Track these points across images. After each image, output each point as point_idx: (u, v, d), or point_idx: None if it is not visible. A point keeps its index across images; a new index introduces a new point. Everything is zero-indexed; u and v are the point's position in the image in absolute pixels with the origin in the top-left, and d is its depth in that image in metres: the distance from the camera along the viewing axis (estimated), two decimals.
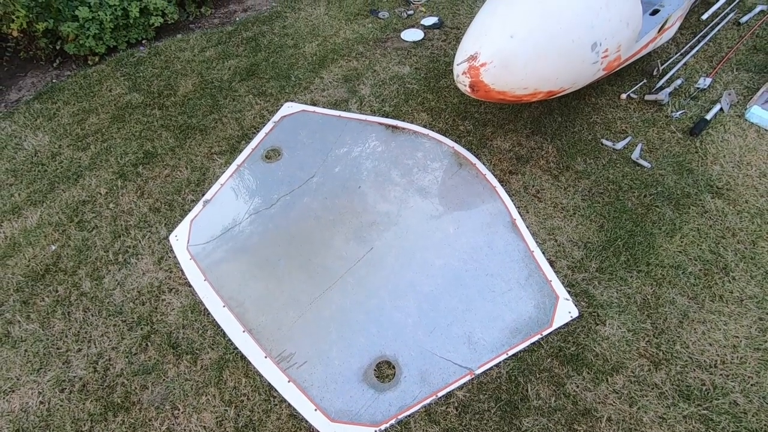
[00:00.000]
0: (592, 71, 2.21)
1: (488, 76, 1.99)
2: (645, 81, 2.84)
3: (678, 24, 2.78)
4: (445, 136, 2.59)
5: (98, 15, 3.28)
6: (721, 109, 2.66)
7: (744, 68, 2.90)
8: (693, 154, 2.46)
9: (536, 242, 2.15)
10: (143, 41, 3.45)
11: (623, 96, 2.75)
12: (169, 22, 3.44)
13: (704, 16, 3.20)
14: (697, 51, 3.01)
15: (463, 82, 2.03)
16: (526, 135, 2.58)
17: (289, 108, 2.79)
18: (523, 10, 2.00)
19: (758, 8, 3.27)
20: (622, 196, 2.30)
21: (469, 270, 2.08)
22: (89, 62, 3.31)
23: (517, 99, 2.14)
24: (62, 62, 3.33)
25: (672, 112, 2.66)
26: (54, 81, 3.16)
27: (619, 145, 2.51)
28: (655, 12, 2.55)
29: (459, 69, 2.02)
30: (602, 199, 2.30)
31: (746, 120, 2.61)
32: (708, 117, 2.59)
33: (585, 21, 2.01)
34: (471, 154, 2.49)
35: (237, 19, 3.58)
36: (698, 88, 2.78)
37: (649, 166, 2.41)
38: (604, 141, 2.53)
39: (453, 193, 2.35)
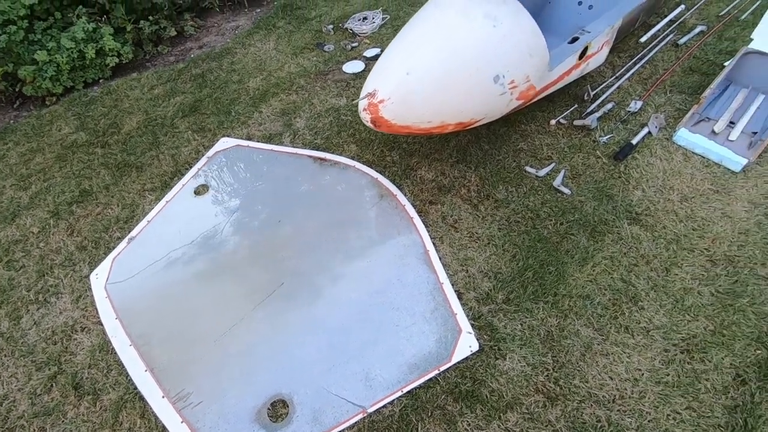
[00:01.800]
0: (503, 102, 2.24)
1: (387, 112, 2.02)
2: (576, 106, 2.85)
3: (606, 49, 2.80)
4: (371, 167, 2.62)
5: (55, 58, 3.44)
6: (649, 133, 2.65)
7: (677, 90, 2.89)
8: (615, 180, 2.45)
9: (447, 274, 2.15)
10: (100, 80, 3.60)
11: (552, 122, 2.76)
12: (124, 62, 3.58)
13: (643, 39, 3.21)
14: (632, 74, 3.02)
15: (364, 118, 2.07)
16: (450, 164, 2.60)
17: (224, 143, 2.87)
18: (420, 49, 2.04)
19: (698, 29, 3.27)
20: (539, 225, 2.29)
21: (376, 304, 2.08)
22: (47, 102, 3.45)
23: (426, 131, 2.17)
24: (22, 103, 3.48)
25: (600, 136, 2.66)
26: (11, 122, 3.30)
27: (542, 172, 2.50)
28: (574, 39, 2.58)
29: (360, 105, 2.07)
30: (519, 227, 2.29)
31: (674, 143, 2.59)
32: (634, 141, 2.58)
33: (483, 55, 2.05)
34: (393, 185, 2.52)
35: (192, 56, 3.71)
36: (629, 111, 2.77)
37: (569, 192, 2.40)
38: (528, 168, 2.53)
39: (371, 225, 2.37)
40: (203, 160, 2.77)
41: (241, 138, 2.89)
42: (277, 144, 2.83)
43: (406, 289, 2.12)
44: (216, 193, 2.60)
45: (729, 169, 2.44)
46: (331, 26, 3.73)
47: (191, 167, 2.73)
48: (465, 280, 2.13)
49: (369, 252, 2.26)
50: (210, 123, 3.01)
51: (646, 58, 3.09)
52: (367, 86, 2.07)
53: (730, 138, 2.54)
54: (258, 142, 2.85)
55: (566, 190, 2.41)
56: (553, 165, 2.54)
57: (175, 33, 3.83)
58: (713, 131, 2.58)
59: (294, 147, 2.79)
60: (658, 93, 2.89)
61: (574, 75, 2.68)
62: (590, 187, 2.42)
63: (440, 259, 2.20)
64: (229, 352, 1.99)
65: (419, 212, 2.39)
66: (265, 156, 2.77)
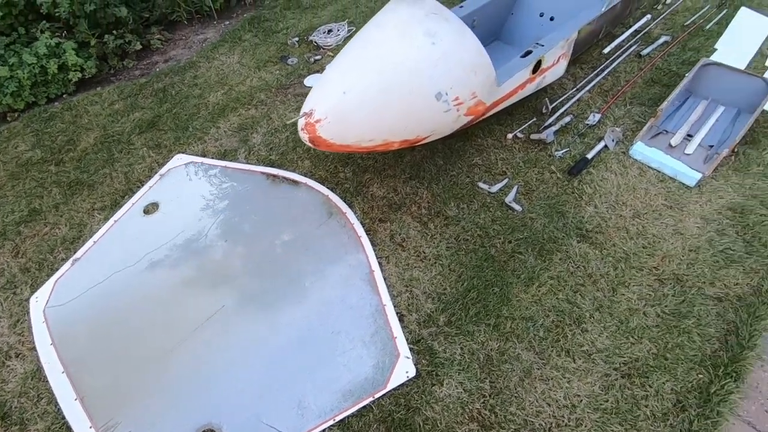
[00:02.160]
0: (450, 118, 2.20)
1: (325, 132, 1.99)
2: (535, 119, 2.81)
3: (564, 61, 2.76)
4: (323, 184, 2.58)
5: (17, 73, 3.42)
6: (606, 147, 2.61)
7: (638, 102, 2.86)
8: (568, 195, 2.40)
9: (391, 295, 2.10)
10: (63, 95, 3.58)
11: (509, 136, 2.72)
12: (87, 77, 3.56)
13: (606, 50, 3.18)
14: (593, 86, 2.98)
15: (303, 137, 2.03)
16: (403, 180, 2.56)
17: (178, 160, 2.83)
18: (357, 67, 2.01)
19: (662, 39, 3.24)
20: (487, 243, 2.25)
21: (317, 327, 2.03)
22: (8, 118, 3.43)
23: (369, 149, 2.14)
24: None
25: (556, 151, 2.62)
26: None
27: (495, 188, 2.46)
28: (528, 53, 2.54)
29: (299, 125, 2.03)
30: (467, 246, 2.25)
31: (630, 157, 2.55)
32: (590, 155, 2.54)
33: (422, 73, 2.01)
34: (344, 203, 2.48)
35: (156, 70, 3.69)
36: (587, 124, 2.74)
37: (520, 209, 2.35)
38: (480, 184, 2.49)
39: (317, 245, 2.32)
40: (156, 177, 2.74)
41: (196, 154, 2.85)
42: (231, 160, 2.79)
43: (349, 311, 2.08)
44: (165, 211, 2.56)
45: (684, 184, 2.39)
46: (297, 39, 3.71)
47: (143, 185, 2.69)
48: (408, 301, 2.08)
49: (314, 273, 2.22)
50: (167, 139, 2.97)
51: (607, 70, 3.06)
52: (305, 105, 2.04)
53: (686, 151, 2.50)
54: (212, 158, 2.81)
55: (517, 207, 2.36)
56: (506, 180, 2.49)
57: (141, 47, 3.80)
58: (670, 144, 2.54)
59: (248, 163, 2.75)
60: (618, 105, 2.85)
61: (530, 89, 2.65)
62: (542, 203, 2.38)
63: (385, 279, 2.16)
64: (163, 378, 1.94)
65: (368, 231, 2.35)
66: (217, 173, 2.73)
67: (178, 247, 2.37)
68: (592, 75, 3.04)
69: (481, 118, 2.47)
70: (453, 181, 2.52)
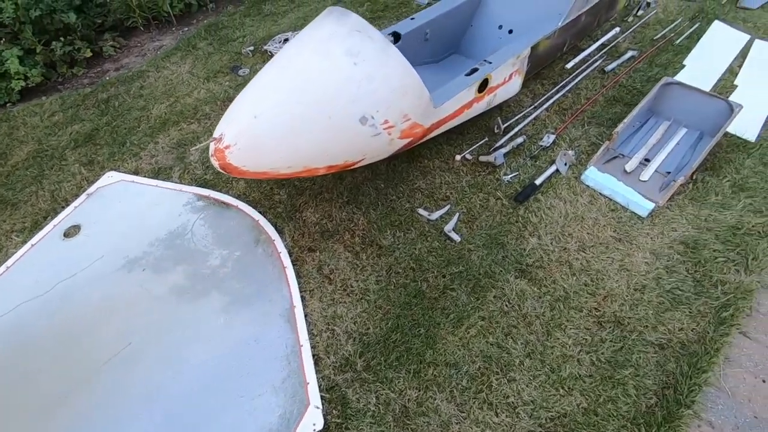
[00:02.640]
0: (382, 142, 2.04)
1: (235, 159, 1.83)
2: (486, 139, 2.66)
3: (518, 78, 2.60)
4: (255, 207, 2.43)
5: None
6: (558, 171, 2.45)
7: (596, 122, 2.70)
8: (512, 225, 2.25)
9: (310, 334, 1.95)
10: (7, 105, 3.43)
11: (458, 157, 2.56)
12: (31, 85, 3.42)
13: (569, 65, 3.02)
14: (552, 104, 2.82)
15: (214, 164, 1.88)
16: (340, 205, 2.41)
17: (108, 178, 2.68)
18: (271, 90, 1.86)
19: (628, 54, 3.08)
20: (420, 277, 2.09)
21: (228, 369, 1.88)
22: None
23: (291, 176, 1.99)
24: None
25: (504, 174, 2.46)
26: None
27: (435, 216, 2.31)
28: (474, 70, 2.38)
29: (209, 151, 1.88)
30: (398, 280, 2.09)
31: (582, 183, 2.39)
32: (539, 181, 2.38)
33: (342, 95, 1.85)
34: (274, 229, 2.32)
35: (106, 78, 3.54)
36: (540, 146, 2.58)
37: (459, 239, 2.20)
38: (420, 210, 2.34)
39: (240, 275, 2.17)
40: (83, 197, 2.59)
41: (129, 172, 2.70)
42: (164, 179, 2.64)
43: (263, 351, 1.92)
44: (87, 235, 2.41)
45: (635, 214, 2.23)
46: (252, 48, 3.56)
47: (68, 205, 2.55)
48: (328, 341, 1.93)
49: (232, 307, 2.06)
50: (101, 155, 2.83)
51: (568, 87, 2.90)
52: (215, 131, 1.89)
53: (641, 178, 2.34)
54: (145, 176, 2.66)
55: (456, 237, 2.21)
56: (448, 207, 2.34)
57: (91, 54, 3.65)
58: (625, 170, 2.38)
59: (181, 183, 2.60)
60: (575, 125, 2.69)
61: (479, 108, 2.49)
62: (483, 233, 2.22)
63: (306, 316, 2.01)
64: (54, 425, 1.79)
65: (295, 261, 2.19)
66: (148, 193, 2.58)
67: (94, 275, 2.22)
68: (552, 92, 2.88)
69: (423, 140, 2.32)
70: (392, 207, 2.37)
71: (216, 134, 1.86)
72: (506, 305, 1.96)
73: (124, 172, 2.71)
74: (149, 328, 2.02)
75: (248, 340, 1.96)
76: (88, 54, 3.65)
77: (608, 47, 3.16)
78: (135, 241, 2.35)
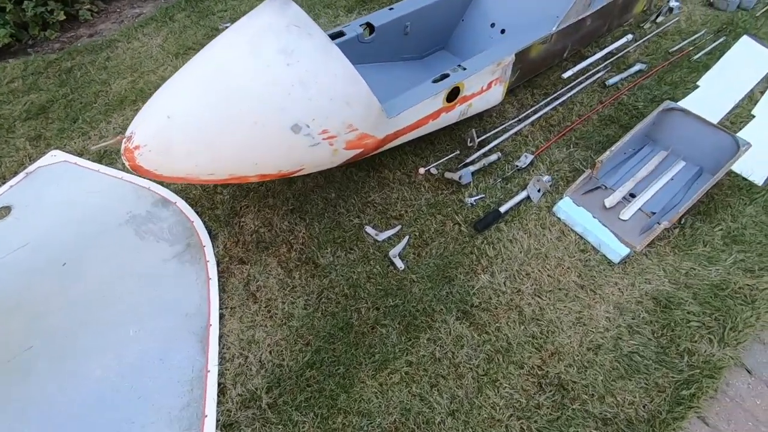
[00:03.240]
0: (323, 153, 1.81)
1: (146, 162, 1.63)
2: (458, 152, 2.39)
3: (499, 87, 2.31)
4: (194, 206, 2.24)
5: None
6: (529, 198, 2.18)
7: (584, 144, 2.39)
8: (465, 256, 2.01)
9: (221, 358, 1.78)
10: None
11: (421, 170, 2.31)
12: None
13: (566, 74, 2.69)
14: (539, 118, 2.52)
15: (125, 163, 1.69)
16: (283, 213, 2.20)
17: (52, 157, 2.52)
18: (190, 87, 1.63)
19: (636, 67, 2.73)
20: (352, 306, 1.89)
21: (123, 389, 1.72)
22: None
23: (220, 182, 1.78)
24: None
25: (469, 196, 2.20)
26: None
27: (383, 236, 2.08)
28: (445, 76, 2.10)
29: (122, 149, 1.68)
30: (327, 307, 1.89)
31: (553, 215, 2.12)
32: (504, 208, 2.12)
33: (270, 100, 1.62)
34: (207, 234, 2.14)
35: (77, 45, 3.35)
36: (516, 166, 2.30)
37: (402, 267, 1.98)
38: (368, 228, 2.11)
39: (161, 282, 2.00)
40: (21, 175, 2.43)
41: (74, 152, 2.53)
42: (109, 164, 2.47)
43: (166, 372, 1.76)
44: (16, 218, 2.26)
45: (607, 258, 1.97)
46: (228, 24, 3.31)
47: (5, 183, 2.40)
48: (239, 370, 1.75)
49: (144, 317, 1.90)
50: (50, 130, 2.66)
51: (561, 99, 2.58)
52: (130, 126, 1.68)
53: (621, 216, 2.06)
54: (89, 159, 2.50)
55: (400, 264, 1.98)
56: (398, 228, 2.11)
57: (64, 17, 3.44)
58: (604, 205, 2.10)
59: (124, 170, 2.42)
60: (559, 146, 2.39)
61: (448, 118, 2.22)
62: (431, 262, 1.99)
63: (222, 337, 1.83)
64: None
65: (222, 272, 2.01)
66: (89, 178, 2.41)
67: (12, 264, 2.08)
68: (540, 104, 2.58)
69: (379, 150, 2.08)
70: (338, 221, 2.15)
71: (128, 132, 1.66)
72: (439, 351, 1.75)
73: (69, 152, 2.54)
74: (56, 333, 1.88)
75: (154, 357, 1.80)
76: (62, 17, 3.45)
77: (615, 57, 2.81)
78: (64, 232, 2.19)
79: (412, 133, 2.12)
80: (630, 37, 2.88)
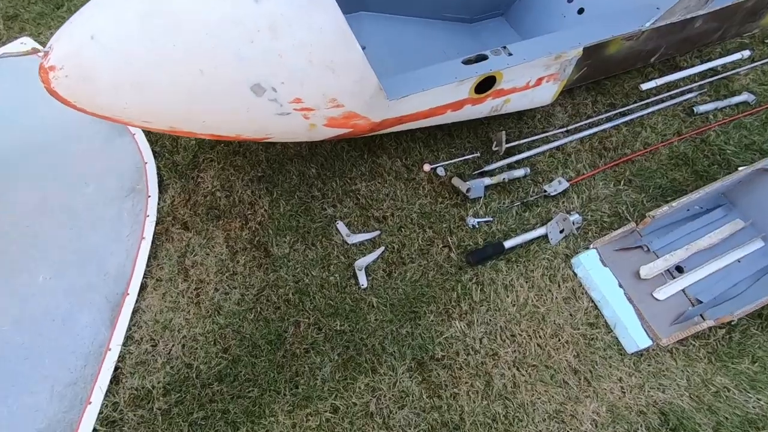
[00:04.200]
0: (295, 125, 1.40)
1: (62, 88, 1.26)
2: (477, 155, 1.92)
3: (552, 85, 1.77)
4: (153, 144, 1.89)
5: None
6: (546, 238, 1.73)
7: (640, 184, 1.87)
8: (444, 291, 1.62)
9: (128, 338, 1.52)
10: None
11: (426, 167, 1.87)
12: None
13: (646, 86, 2.09)
14: (592, 135, 1.98)
15: (41, 83, 1.33)
16: (250, 179, 1.83)
17: (21, 45, 2.14)
18: (121, 5, 1.21)
19: (741, 97, 2.09)
20: (291, 317, 1.56)
21: (14, 343, 1.48)
22: None
23: (160, 131, 1.42)
24: None
25: (473, 215, 1.77)
26: None
27: (355, 239, 1.70)
28: (481, 58, 1.59)
29: (38, 67, 1.32)
30: (263, 310, 1.57)
31: (569, 267, 1.68)
32: (510, 243, 1.69)
33: (224, 46, 1.19)
34: (158, 182, 1.81)
35: None
36: (544, 191, 1.83)
37: (365, 285, 1.62)
38: (341, 225, 1.73)
39: (90, 228, 1.70)
40: None
41: (45, 44, 2.20)
42: None
43: (64, 338, 1.52)
44: None
45: (620, 344, 1.55)
46: None
47: None
48: (143, 357, 1.49)
49: (60, 265, 1.63)
50: (30, 11, 2.31)
51: (627, 117, 2.02)
52: (50, 41, 1.30)
53: (655, 294, 1.60)
54: None
55: (363, 281, 1.62)
56: (376, 234, 1.72)
57: None
58: (638, 273, 1.64)
59: None
60: (607, 178, 1.88)
61: (473, 112, 1.72)
62: (401, 288, 1.62)
63: (135, 312, 1.56)
64: None
65: (159, 234, 1.70)
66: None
67: None
68: (599, 116, 2.03)
69: (375, 133, 1.64)
70: (309, 206, 1.77)
71: (47, 46, 1.29)
72: (375, 404, 1.43)
73: (41, 43, 2.21)
74: None
75: (57, 316, 1.54)
76: None
77: (717, 77, 2.17)
78: (8, 140, 1.92)
79: (422, 121, 1.66)
80: (746, 54, 2.21)
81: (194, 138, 1.92)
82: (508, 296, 1.61)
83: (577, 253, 1.68)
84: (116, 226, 1.72)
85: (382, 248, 1.68)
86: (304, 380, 1.45)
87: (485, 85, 1.61)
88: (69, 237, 1.68)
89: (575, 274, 1.65)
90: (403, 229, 1.73)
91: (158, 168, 1.83)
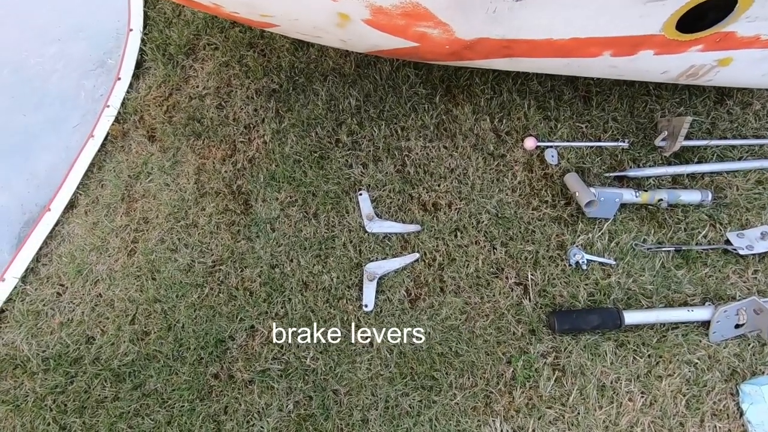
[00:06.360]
0: (317, 8, 0.76)
1: None
2: (626, 145, 1.12)
3: None
4: (150, 9, 1.31)
5: None
6: (706, 327, 0.96)
7: None
8: (493, 361, 0.95)
9: (30, 270, 1.07)
10: None
11: (530, 143, 1.12)
12: None
13: None
14: None
15: None
16: (260, 89, 1.19)
17: None
18: None
19: None
20: (248, 319, 1.00)
21: None
22: None
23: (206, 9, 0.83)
24: None
25: (579, 244, 1.03)
26: None
27: (380, 227, 1.04)
28: None
29: None
30: (213, 295, 1.02)
31: (731, 393, 0.92)
32: (634, 317, 0.95)
33: None
34: (135, 61, 1.24)
35: None
36: (726, 245, 1.01)
37: (370, 308, 0.99)
38: (364, 197, 1.08)
39: (41, 104, 1.22)
40: None
41: None
42: None
43: None
44: None
45: None
46: None
47: None
48: (40, 306, 1.03)
49: None
50: None
51: None
52: None
53: None
54: None
55: (369, 299, 0.99)
56: (414, 229, 1.05)
57: None
58: None
59: None
60: None
61: (655, 66, 0.92)
62: (426, 330, 0.98)
63: (51, 238, 1.09)
64: None
65: (114, 137, 1.17)
66: None
67: None
68: None
69: (459, 63, 0.94)
70: (328, 154, 1.13)
71: None
72: None
73: None
74: None
75: None
76: None
77: None
78: None
79: (550, 61, 0.91)
80: None
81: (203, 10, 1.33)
82: (601, 406, 0.92)
83: (753, 373, 0.93)
84: (66, 109, 1.22)
85: (416, 255, 1.03)
86: (232, 427, 0.93)
87: (701, 18, 0.79)
88: (3, 108, 1.23)
89: (741, 412, 0.91)
90: (459, 234, 1.06)
91: (143, 42, 1.27)
